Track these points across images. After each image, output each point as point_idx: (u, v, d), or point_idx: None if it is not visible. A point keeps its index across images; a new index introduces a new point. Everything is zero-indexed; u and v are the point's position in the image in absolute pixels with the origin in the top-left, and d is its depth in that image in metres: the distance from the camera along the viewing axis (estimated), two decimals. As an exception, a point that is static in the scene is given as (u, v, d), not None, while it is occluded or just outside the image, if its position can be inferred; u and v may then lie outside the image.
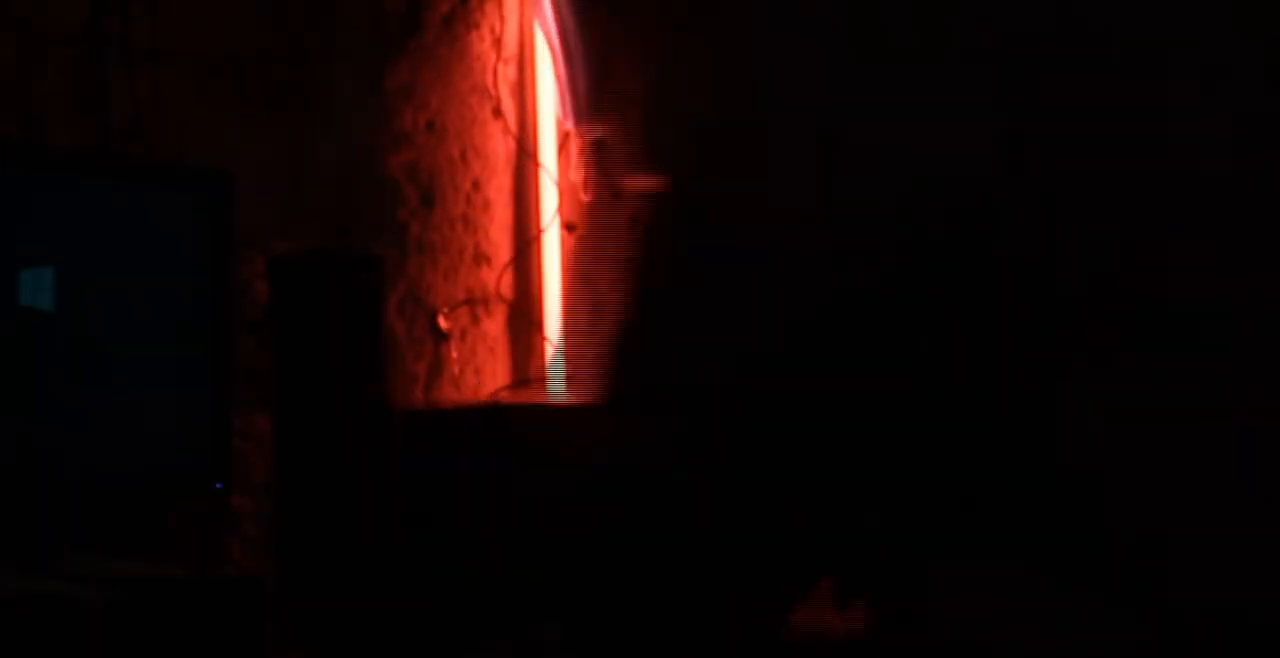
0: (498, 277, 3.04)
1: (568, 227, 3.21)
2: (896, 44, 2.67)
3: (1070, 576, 2.29)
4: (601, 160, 3.41)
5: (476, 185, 2.98)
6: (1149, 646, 2.21)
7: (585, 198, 3.32)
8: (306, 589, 2.16)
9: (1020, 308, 2.48)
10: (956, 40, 2.61)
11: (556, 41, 3.09)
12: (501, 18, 3.05)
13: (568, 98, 3.13)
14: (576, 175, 3.28)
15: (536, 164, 3.12)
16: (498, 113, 3.04)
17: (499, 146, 3.05)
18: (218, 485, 2.10)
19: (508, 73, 3.08)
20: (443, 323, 2.87)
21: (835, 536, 2.43)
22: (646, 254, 2.91)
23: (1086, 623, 2.25)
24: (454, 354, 2.90)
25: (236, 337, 2.17)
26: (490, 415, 2.39)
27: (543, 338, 3.14)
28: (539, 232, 3.12)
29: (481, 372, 2.98)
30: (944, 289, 2.52)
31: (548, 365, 3.15)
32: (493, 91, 3.02)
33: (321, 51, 2.58)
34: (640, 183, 3.19)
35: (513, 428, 2.40)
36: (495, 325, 3.04)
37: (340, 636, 2.14)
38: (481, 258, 2.99)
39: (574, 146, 3.27)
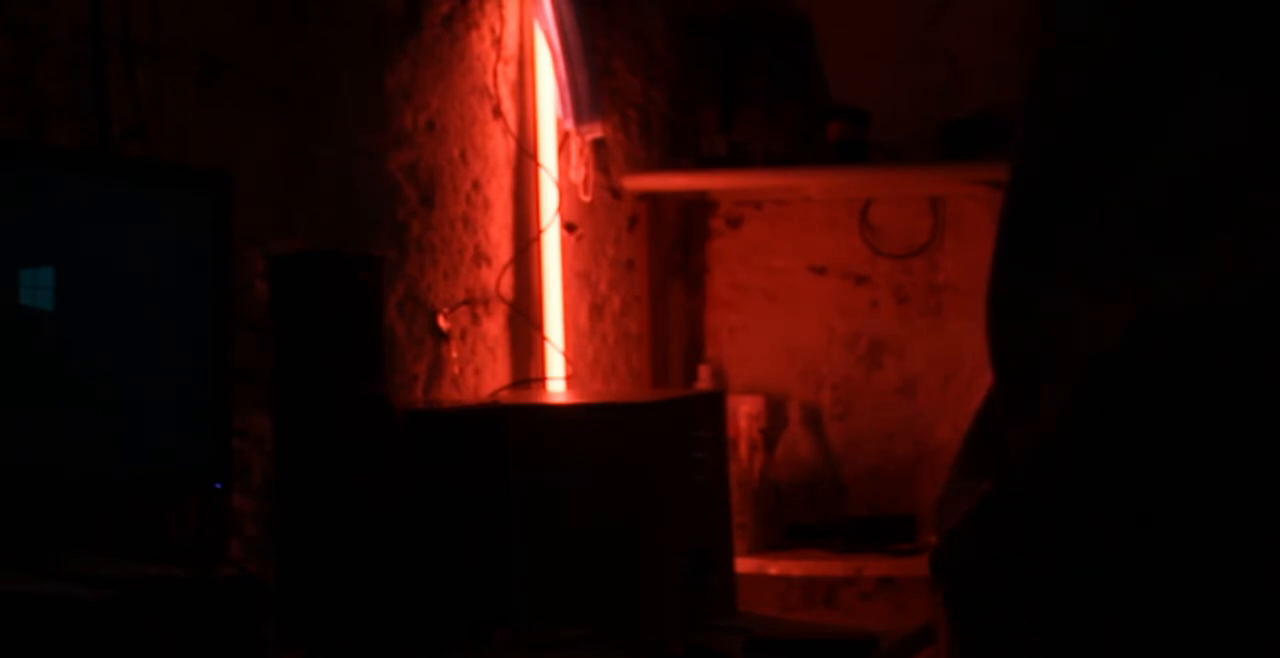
0: (498, 277, 3.04)
1: (568, 227, 3.21)
2: None
3: None
4: (601, 160, 3.41)
5: (476, 185, 2.99)
6: None
7: (585, 198, 3.33)
8: (306, 589, 2.16)
9: None
10: None
11: (556, 41, 3.10)
12: (501, 18, 3.05)
13: (568, 98, 3.13)
14: (576, 175, 3.28)
15: (536, 164, 3.12)
16: (498, 113, 3.04)
17: (499, 146, 3.05)
18: (218, 486, 2.10)
19: (508, 73, 3.08)
20: (443, 323, 2.87)
21: None
22: None
23: None
24: (454, 354, 2.90)
25: (236, 337, 2.17)
26: (490, 415, 2.39)
27: (543, 338, 3.14)
28: (539, 232, 3.13)
29: (482, 372, 2.99)
30: None
31: (547, 365, 3.16)
32: (493, 91, 3.03)
33: (321, 51, 2.58)
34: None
35: (512, 428, 2.40)
36: (495, 325, 3.04)
37: (340, 636, 2.14)
38: (481, 258, 2.99)
39: (574, 146, 3.27)
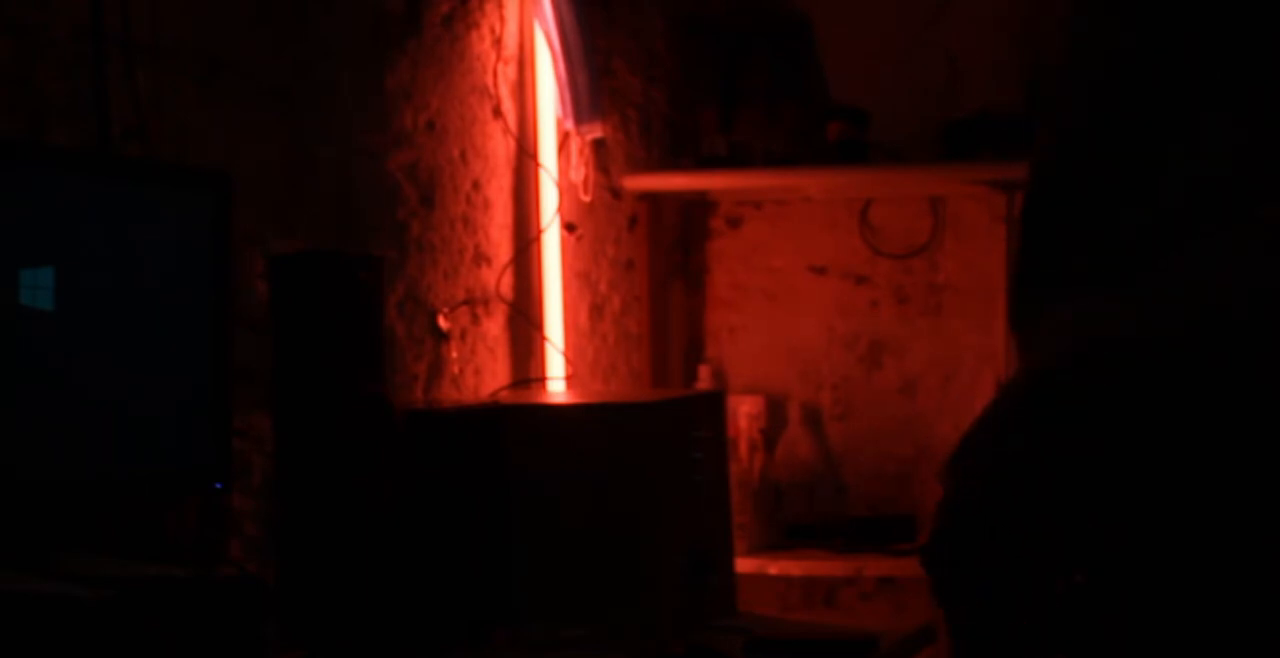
0: (498, 277, 3.04)
1: (568, 227, 3.21)
2: None
3: None
4: (601, 160, 3.42)
5: (476, 185, 2.99)
6: None
7: (585, 198, 3.33)
8: (306, 589, 2.16)
9: None
10: None
11: (556, 41, 3.10)
12: (501, 18, 3.05)
13: (568, 98, 3.13)
14: (576, 175, 3.28)
15: (536, 164, 3.12)
16: (498, 113, 3.04)
17: (499, 146, 3.05)
18: (218, 486, 2.10)
19: (508, 73, 3.08)
20: (443, 323, 2.87)
21: None
22: None
23: None
24: (454, 354, 2.90)
25: (236, 337, 2.17)
26: (490, 415, 2.39)
27: (543, 338, 3.14)
28: (539, 232, 3.13)
29: (481, 372, 2.99)
30: None
31: (547, 365, 3.16)
32: (493, 91, 3.03)
33: (321, 51, 2.58)
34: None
35: (512, 428, 2.40)
36: (495, 325, 3.04)
37: (340, 636, 2.14)
38: (481, 258, 2.99)
39: (574, 146, 3.27)
